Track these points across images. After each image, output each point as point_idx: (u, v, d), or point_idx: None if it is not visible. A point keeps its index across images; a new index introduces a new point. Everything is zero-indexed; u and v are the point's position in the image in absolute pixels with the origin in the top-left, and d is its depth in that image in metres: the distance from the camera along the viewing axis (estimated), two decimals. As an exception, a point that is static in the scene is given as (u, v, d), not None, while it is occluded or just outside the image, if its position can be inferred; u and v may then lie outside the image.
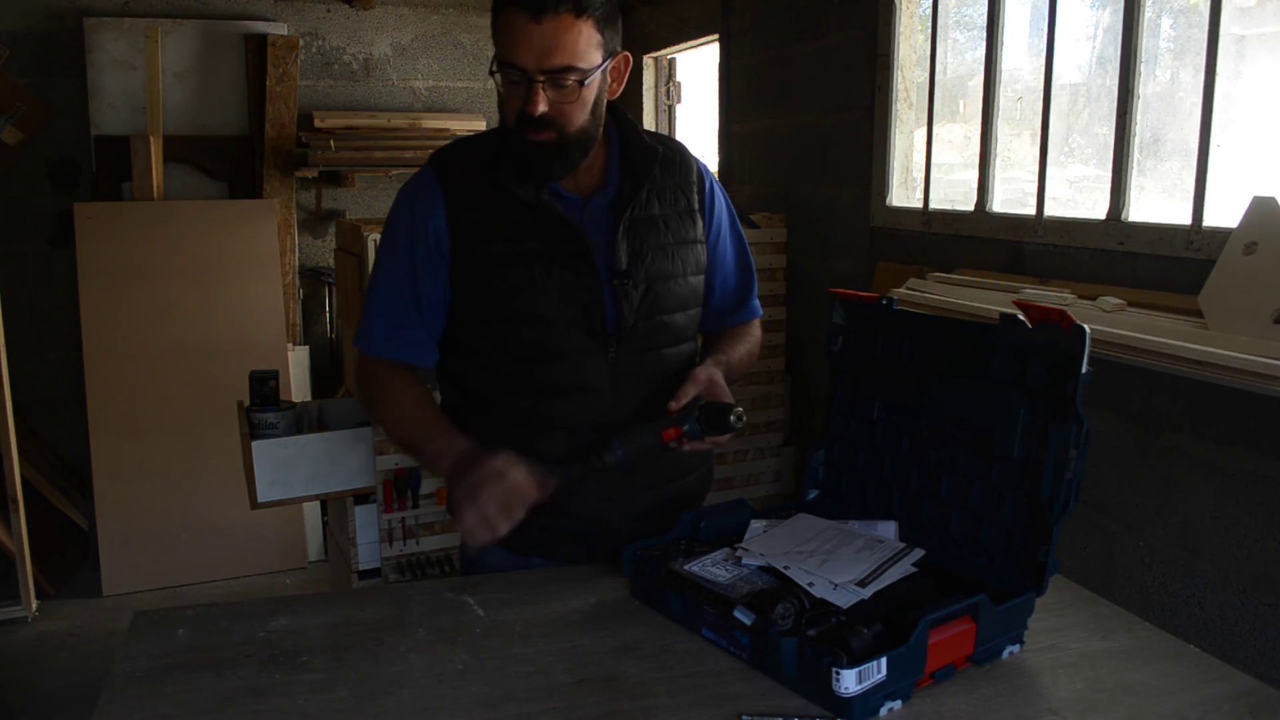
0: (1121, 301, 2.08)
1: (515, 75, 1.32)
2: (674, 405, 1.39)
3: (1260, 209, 1.85)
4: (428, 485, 2.81)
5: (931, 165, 2.86)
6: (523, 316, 1.43)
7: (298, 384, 4.22)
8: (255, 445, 2.57)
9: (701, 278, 1.55)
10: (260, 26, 4.42)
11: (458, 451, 1.40)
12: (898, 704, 1.08)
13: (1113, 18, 2.27)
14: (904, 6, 2.96)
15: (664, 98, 4.74)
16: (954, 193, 2.86)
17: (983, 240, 2.63)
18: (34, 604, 3.52)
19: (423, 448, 1.46)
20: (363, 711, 1.08)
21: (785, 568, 1.25)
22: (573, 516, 1.49)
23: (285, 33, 4.45)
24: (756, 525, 1.42)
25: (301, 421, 2.76)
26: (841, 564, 1.26)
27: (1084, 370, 1.16)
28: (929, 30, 2.88)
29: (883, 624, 1.11)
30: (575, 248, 1.42)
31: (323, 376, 4.62)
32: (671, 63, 4.72)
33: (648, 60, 4.69)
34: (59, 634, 3.45)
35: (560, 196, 1.44)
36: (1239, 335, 1.81)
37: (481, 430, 1.50)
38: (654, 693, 1.11)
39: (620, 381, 1.46)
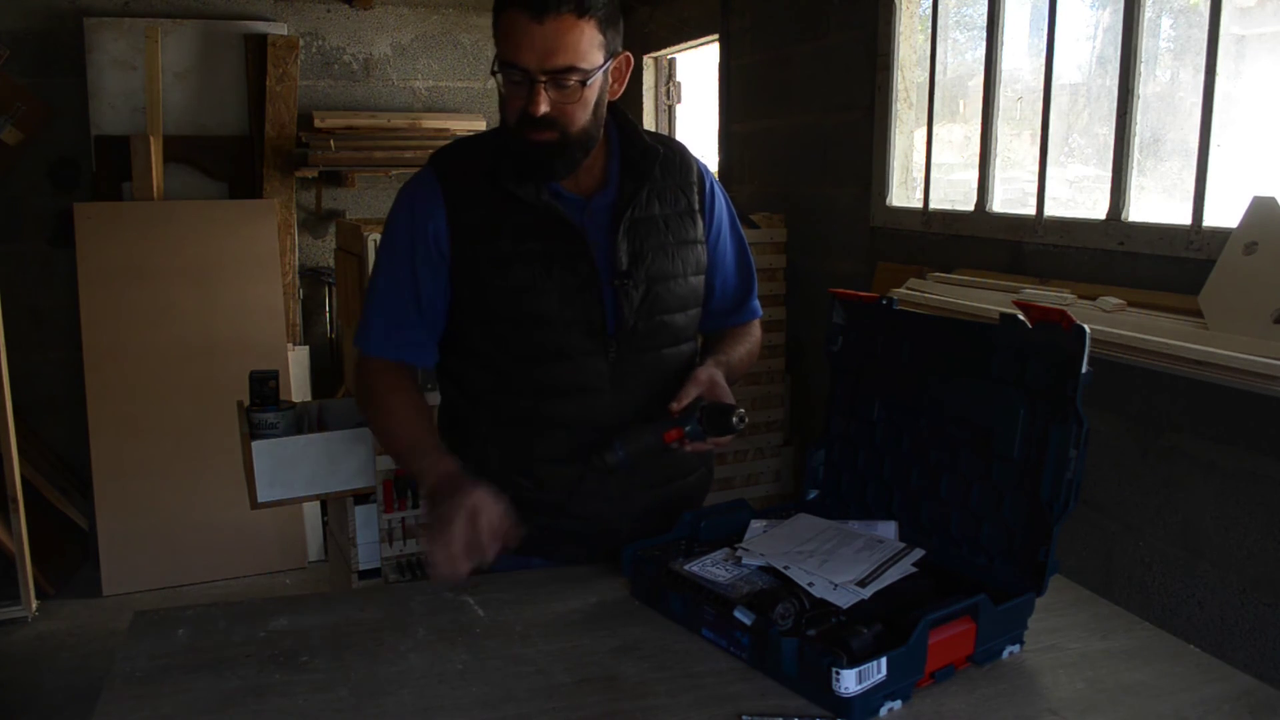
0: (1121, 301, 2.08)
1: (517, 75, 1.32)
2: (675, 406, 1.39)
3: (1260, 209, 1.85)
4: (428, 485, 2.81)
5: (931, 165, 2.86)
6: (523, 317, 1.43)
7: (298, 384, 4.22)
8: (255, 445, 2.57)
9: (702, 278, 1.55)
10: (260, 26, 4.42)
11: (441, 473, 1.38)
12: (898, 704, 1.08)
13: (1113, 18, 2.27)
14: (904, 6, 2.96)
15: (664, 98, 4.74)
16: (954, 193, 2.86)
17: (983, 240, 2.63)
18: (34, 604, 3.52)
19: (409, 461, 1.44)
20: (363, 711, 1.08)
21: (785, 568, 1.25)
22: (573, 516, 1.49)
23: (285, 33, 4.45)
24: (756, 525, 1.42)
25: (301, 421, 2.76)
26: (841, 564, 1.26)
27: (1084, 370, 1.16)
28: (929, 30, 2.88)
29: (883, 624, 1.11)
30: (575, 248, 1.42)
31: (323, 376, 4.62)
32: (671, 63, 4.72)
33: (648, 60, 4.69)
34: (59, 634, 3.45)
35: (560, 197, 1.44)
36: (1239, 335, 1.81)
37: (482, 430, 1.50)
38: (654, 693, 1.11)
39: (620, 382, 1.46)
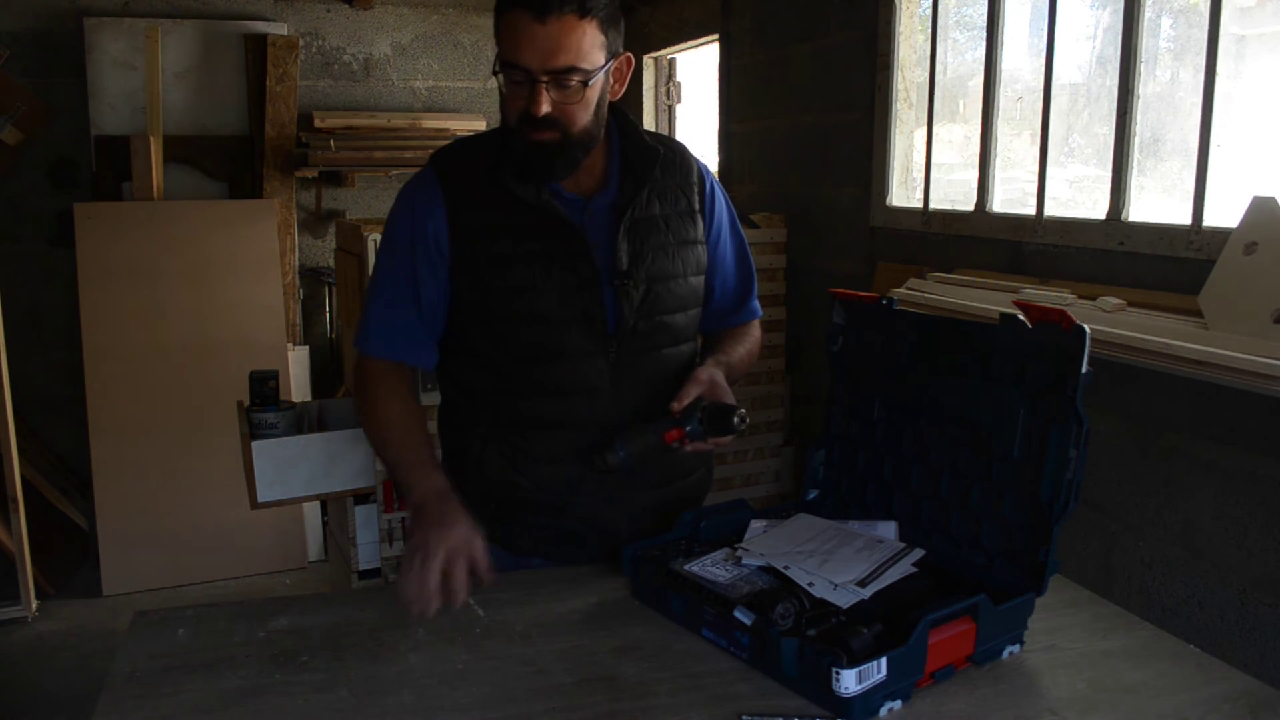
0: (1121, 301, 2.08)
1: (519, 75, 1.32)
2: (676, 406, 1.39)
3: (1260, 209, 1.85)
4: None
5: (931, 165, 2.86)
6: (523, 317, 1.43)
7: (298, 384, 4.22)
8: (255, 445, 2.57)
9: (702, 278, 1.55)
10: (260, 26, 4.42)
11: (429, 489, 1.37)
12: (898, 704, 1.08)
13: (1113, 18, 2.27)
14: (904, 6, 2.96)
15: (664, 98, 4.74)
16: (954, 193, 2.86)
17: (983, 240, 2.63)
18: (34, 604, 3.52)
19: (398, 473, 1.43)
20: (363, 711, 1.08)
21: (785, 568, 1.25)
22: (573, 516, 1.49)
23: (285, 33, 4.45)
24: (756, 525, 1.43)
25: (301, 421, 2.76)
26: (841, 564, 1.26)
27: (1084, 370, 1.16)
28: (929, 30, 2.88)
29: (883, 624, 1.11)
30: (575, 248, 1.42)
31: (323, 376, 4.62)
32: (671, 63, 4.72)
33: (648, 60, 4.69)
34: (59, 634, 3.45)
35: (560, 197, 1.44)
36: (1239, 335, 1.81)
37: (482, 430, 1.50)
38: (654, 693, 1.11)
39: (620, 382, 1.46)
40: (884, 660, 1.05)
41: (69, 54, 4.20)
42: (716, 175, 2.79)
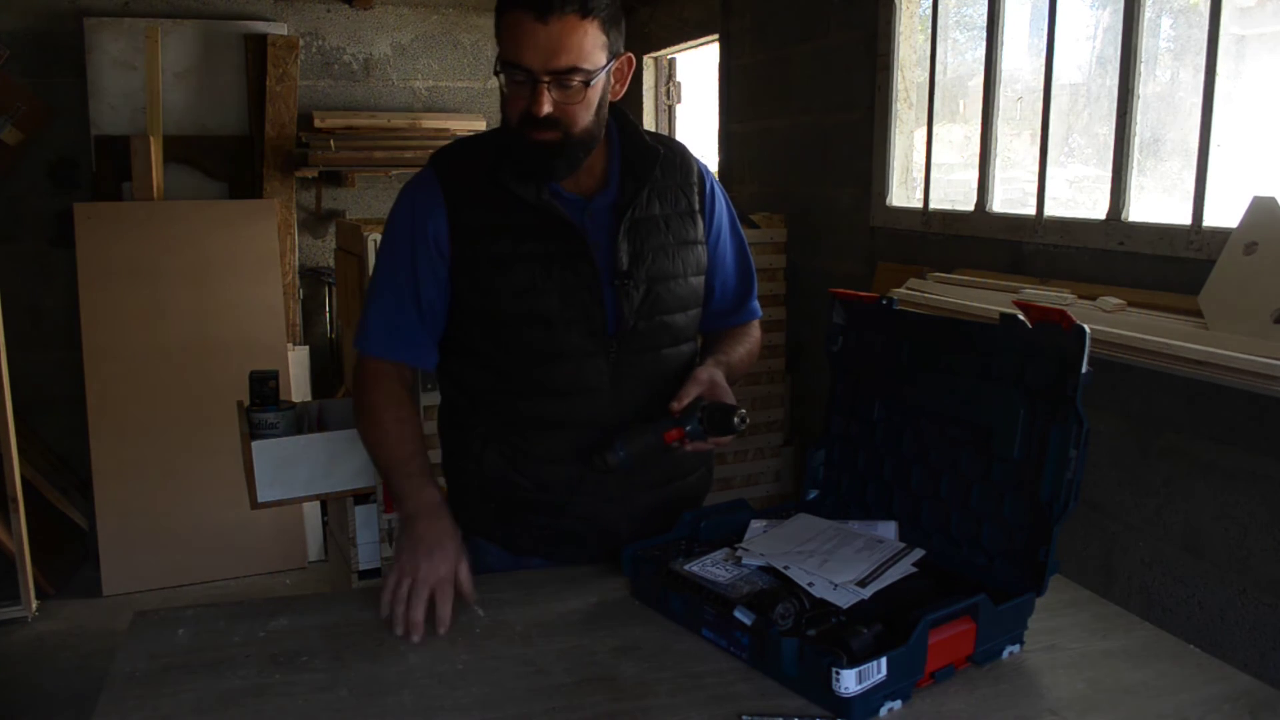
0: (1121, 301, 2.08)
1: (520, 76, 1.32)
2: (676, 405, 1.39)
3: (1260, 209, 1.85)
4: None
5: (931, 165, 2.86)
6: (523, 317, 1.43)
7: (298, 384, 4.21)
8: (255, 445, 2.57)
9: (702, 278, 1.55)
10: (260, 26, 4.42)
11: (421, 502, 1.38)
12: (898, 704, 1.08)
13: (1113, 18, 2.27)
14: (904, 6, 2.96)
15: (664, 98, 4.74)
16: (954, 193, 2.86)
17: (983, 240, 2.63)
18: (34, 604, 3.52)
19: (391, 481, 1.43)
20: (363, 712, 1.08)
21: (785, 568, 1.25)
22: (573, 516, 1.49)
23: (285, 33, 4.45)
24: (756, 525, 1.43)
25: (301, 421, 2.76)
26: (841, 564, 1.26)
27: (1084, 370, 1.16)
28: (929, 30, 2.88)
29: (883, 624, 1.11)
30: (576, 248, 1.42)
31: (323, 376, 4.62)
32: (671, 63, 4.72)
33: (648, 60, 4.69)
34: (59, 634, 3.45)
35: (561, 197, 1.44)
36: (1239, 335, 1.81)
37: (481, 430, 1.50)
38: (654, 693, 1.11)
39: (620, 382, 1.46)
40: (884, 660, 1.05)
41: (69, 54, 4.20)
42: (716, 175, 2.79)
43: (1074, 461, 1.18)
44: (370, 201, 4.84)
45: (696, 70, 4.63)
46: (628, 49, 1.43)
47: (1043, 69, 2.41)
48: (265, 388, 2.67)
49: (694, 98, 4.67)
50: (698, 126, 4.62)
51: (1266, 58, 2.06)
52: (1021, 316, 1.23)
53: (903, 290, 2.60)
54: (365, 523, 2.85)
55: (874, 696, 1.05)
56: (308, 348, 4.44)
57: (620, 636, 1.24)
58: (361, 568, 2.87)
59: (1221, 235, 1.94)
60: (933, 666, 1.10)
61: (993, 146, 2.62)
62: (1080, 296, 2.18)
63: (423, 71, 4.90)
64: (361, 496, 2.81)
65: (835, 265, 3.31)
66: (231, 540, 3.89)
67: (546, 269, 1.41)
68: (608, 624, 1.28)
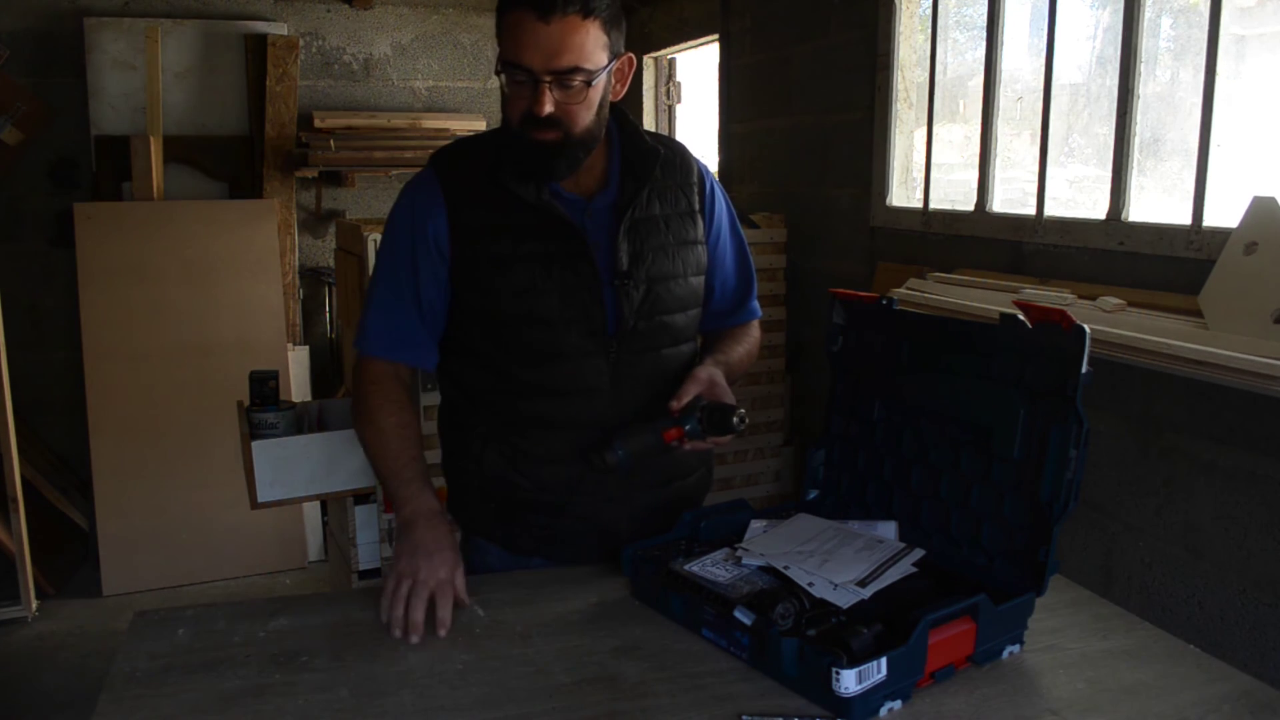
0: (1121, 301, 2.08)
1: (521, 75, 1.32)
2: (675, 405, 1.39)
3: (1260, 209, 1.85)
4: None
5: (931, 165, 2.86)
6: (523, 317, 1.42)
7: (298, 384, 4.22)
8: (255, 445, 2.57)
9: (702, 278, 1.55)
10: (260, 26, 4.42)
11: (417, 509, 1.38)
12: (898, 704, 1.08)
13: (1113, 18, 2.27)
14: (904, 6, 2.96)
15: (664, 98, 4.74)
16: (954, 193, 2.86)
17: (983, 240, 2.63)
18: (34, 604, 3.52)
19: (389, 486, 1.43)
20: (363, 712, 1.08)
21: (785, 568, 1.25)
22: (573, 516, 1.49)
23: (285, 33, 4.45)
24: (756, 525, 1.42)
25: (301, 421, 2.76)
26: (841, 564, 1.26)
27: (1084, 370, 1.16)
28: (929, 30, 2.88)
29: (883, 624, 1.11)
30: (576, 248, 1.42)
31: (323, 376, 4.62)
32: (671, 63, 4.72)
33: (648, 60, 4.69)
34: (59, 634, 3.45)
35: (561, 197, 1.44)
36: (1239, 335, 1.81)
37: (481, 430, 1.50)
38: (654, 693, 1.11)
39: (620, 382, 1.46)
40: (884, 660, 1.05)
41: (69, 54, 4.20)
42: (716, 175, 2.79)
43: (1074, 461, 1.18)
44: (370, 201, 4.84)
45: (696, 70, 4.63)
46: (628, 49, 1.43)
47: (1043, 69, 2.41)
48: (265, 388, 2.67)
49: (694, 98, 4.67)
50: (698, 126, 4.62)
51: (1266, 58, 2.06)
52: (1021, 316, 1.23)
53: (903, 290, 2.60)
54: (365, 523, 2.85)
55: (874, 696, 1.05)
56: (308, 348, 4.44)
57: (620, 636, 1.24)
58: (361, 568, 2.87)
59: (1221, 235, 1.94)
60: (933, 666, 1.10)
61: (993, 146, 2.62)
62: (1080, 296, 2.19)
63: (423, 71, 4.90)
64: (361, 496, 2.81)
65: (835, 265, 3.31)
66: (231, 540, 3.89)
67: (546, 269, 1.41)
68: (608, 624, 1.28)
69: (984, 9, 2.61)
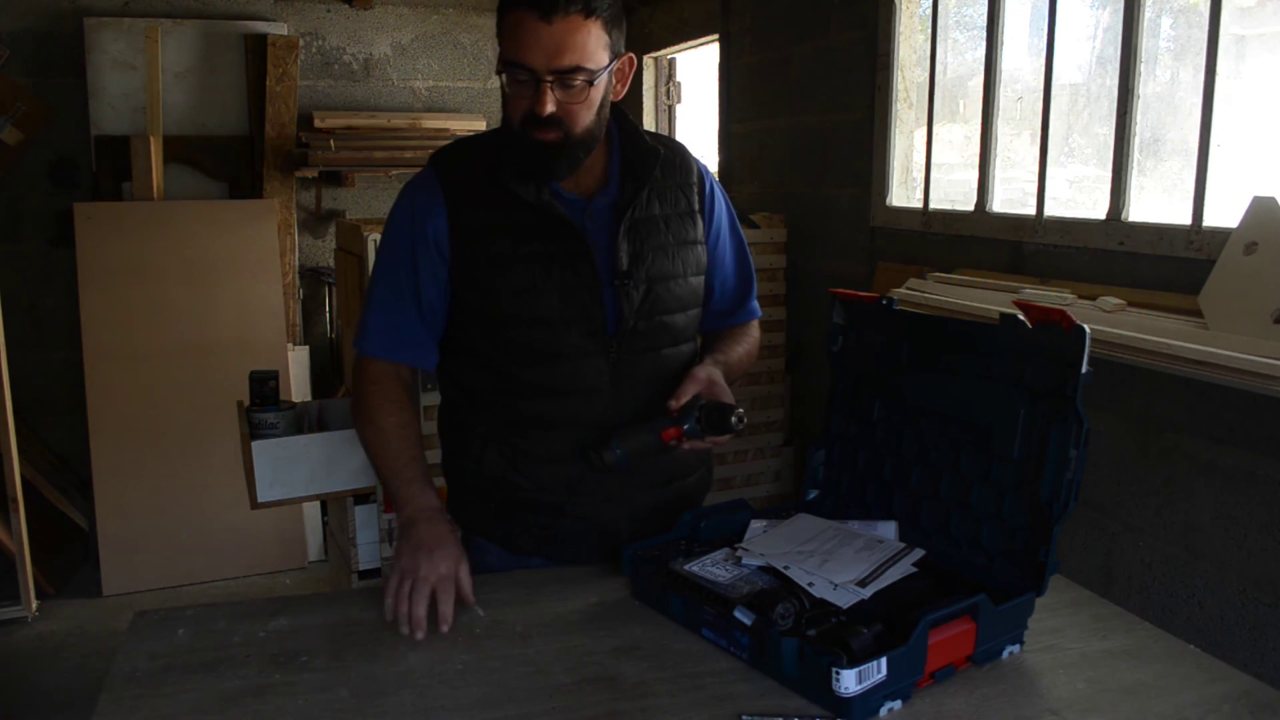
0: (1121, 301, 2.08)
1: (523, 75, 1.32)
2: (673, 404, 1.39)
3: (1260, 209, 1.85)
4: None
5: (931, 165, 2.87)
6: (523, 317, 1.42)
7: (298, 384, 4.21)
8: (255, 445, 2.57)
9: (702, 278, 1.55)
10: (260, 26, 4.42)
11: (420, 507, 1.38)
12: (898, 704, 1.08)
13: (1113, 18, 2.27)
14: (904, 6, 2.96)
15: (664, 98, 4.74)
16: (954, 193, 2.86)
17: (983, 240, 2.63)
18: (34, 604, 3.52)
19: (390, 486, 1.43)
20: (363, 712, 1.08)
21: (785, 568, 1.25)
22: (573, 516, 1.49)
23: (285, 33, 4.45)
24: (756, 525, 1.42)
25: (301, 421, 2.76)
26: (841, 564, 1.26)
27: (1084, 370, 1.16)
28: (929, 30, 2.88)
29: (883, 624, 1.11)
30: (576, 248, 1.42)
31: (323, 376, 4.62)
32: (671, 63, 4.72)
33: (648, 60, 4.69)
34: (59, 634, 3.45)
35: (561, 197, 1.44)
36: (1239, 335, 1.81)
37: (481, 430, 1.50)
38: (654, 693, 1.11)
39: (620, 382, 1.46)
40: (884, 660, 1.04)
41: (69, 54, 4.20)
42: (716, 175, 2.79)
43: (1074, 461, 1.18)
44: (370, 201, 4.84)
45: (696, 70, 4.63)
46: (628, 49, 1.43)
47: (1043, 69, 2.41)
48: (265, 388, 2.67)
49: (694, 98, 4.67)
50: (698, 126, 4.62)
51: (1266, 58, 2.06)
52: (1021, 316, 1.23)
53: (903, 290, 2.60)
54: (365, 523, 2.85)
55: (874, 696, 1.05)
56: (308, 348, 4.44)
57: (620, 636, 1.24)
58: (361, 568, 2.87)
59: (1221, 235, 1.94)
60: (933, 666, 1.10)
61: (993, 146, 2.62)
62: (1080, 296, 2.19)
63: (423, 71, 4.90)
64: (361, 496, 2.81)
65: (835, 265, 3.31)
66: (231, 540, 3.89)
67: (546, 269, 1.41)
68: (608, 624, 1.28)
69: (984, 9, 2.61)
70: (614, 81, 1.41)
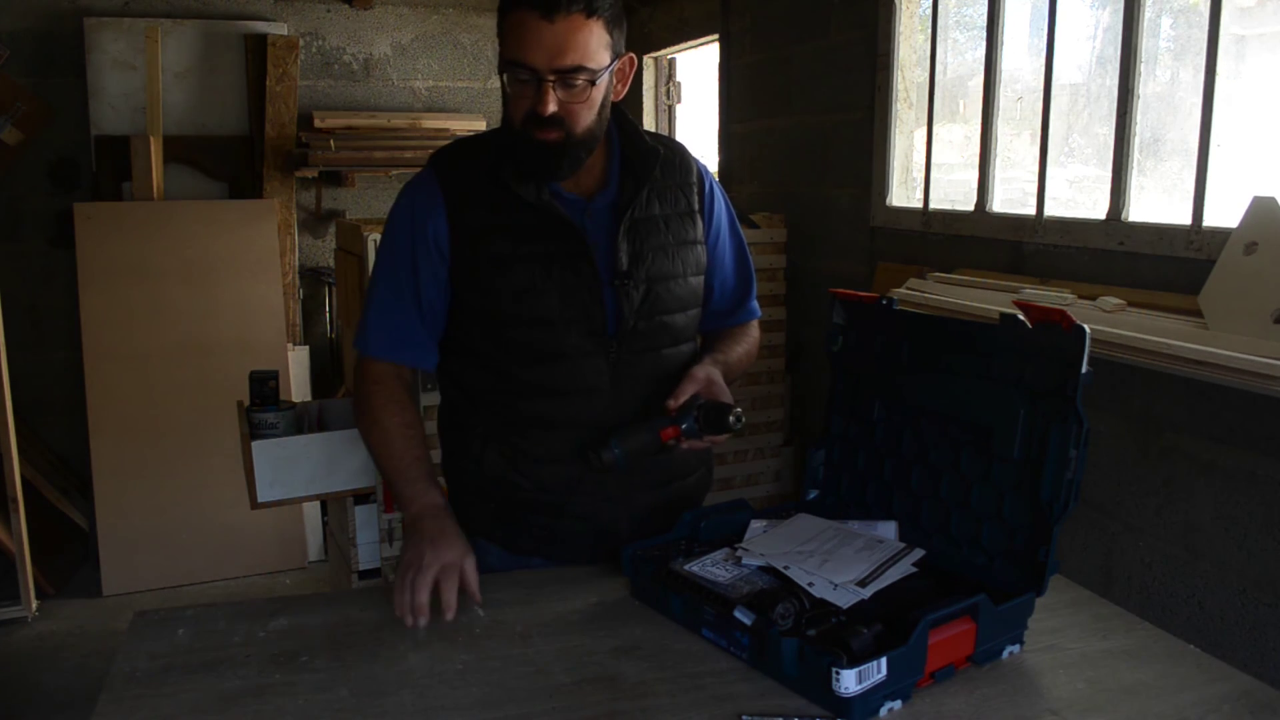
0: (1121, 301, 2.08)
1: (525, 75, 1.32)
2: (672, 403, 1.39)
3: (1260, 209, 1.85)
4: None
5: (931, 165, 2.86)
6: (523, 317, 1.42)
7: (298, 384, 4.22)
8: (255, 445, 2.57)
9: (701, 278, 1.55)
10: (260, 26, 4.42)
11: (425, 504, 1.39)
12: (898, 704, 1.08)
13: (1113, 18, 2.27)
14: (904, 6, 2.96)
15: (664, 98, 4.74)
16: (954, 193, 2.86)
17: (983, 240, 2.63)
18: (34, 604, 3.52)
19: (395, 485, 1.44)
20: (363, 711, 1.08)
21: (785, 568, 1.25)
22: (573, 516, 1.49)
23: (285, 33, 4.45)
24: (756, 525, 1.43)
25: (301, 421, 2.76)
26: (841, 564, 1.26)
27: (1084, 370, 1.16)
28: (929, 30, 2.88)
29: (883, 624, 1.11)
30: (576, 248, 1.42)
31: (323, 376, 4.62)
32: (671, 63, 4.72)
33: (648, 60, 4.69)
34: (59, 634, 3.45)
35: (561, 197, 1.44)
36: (1239, 335, 1.81)
37: (481, 430, 1.50)
38: (654, 693, 1.11)
39: (620, 382, 1.46)
40: (884, 660, 1.04)
41: (69, 54, 4.20)
42: (716, 175, 2.79)
43: (1074, 461, 1.18)
44: (370, 201, 4.84)
45: (696, 70, 4.63)
46: (628, 49, 1.43)
47: (1043, 69, 2.41)
48: (265, 388, 2.67)
49: (694, 98, 4.67)
50: (698, 126, 4.62)
51: (1266, 58, 2.06)
52: (1021, 316, 1.23)
53: (903, 290, 2.60)
54: (365, 523, 2.85)
55: (874, 696, 1.05)
56: (308, 348, 4.44)
57: (620, 636, 1.24)
58: (361, 568, 2.87)
59: (1221, 235, 1.94)
60: (933, 666, 1.10)
61: (993, 146, 2.62)
62: (1080, 296, 2.19)
63: (423, 71, 4.90)
64: (361, 496, 2.81)
65: (835, 265, 3.31)
66: (231, 540, 3.89)
67: (546, 269, 1.41)
68: (608, 624, 1.28)
69: (984, 9, 2.61)
70: (615, 81, 1.41)
